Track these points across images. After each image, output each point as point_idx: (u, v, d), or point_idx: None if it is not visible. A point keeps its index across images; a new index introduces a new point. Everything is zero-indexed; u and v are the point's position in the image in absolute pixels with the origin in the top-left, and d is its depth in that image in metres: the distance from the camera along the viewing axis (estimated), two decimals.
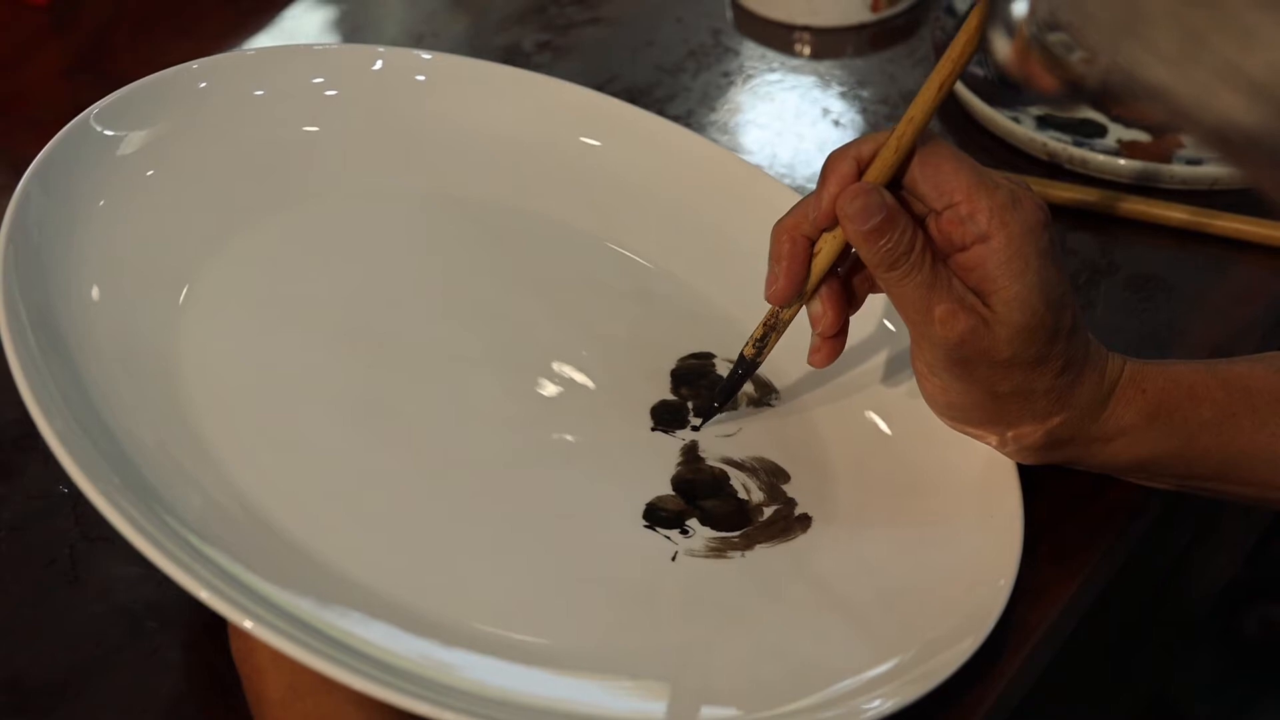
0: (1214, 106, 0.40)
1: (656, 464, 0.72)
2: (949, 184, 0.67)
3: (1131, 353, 0.71)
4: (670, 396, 0.75)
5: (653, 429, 0.74)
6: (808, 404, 0.76)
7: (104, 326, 0.67)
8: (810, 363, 0.72)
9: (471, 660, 0.62)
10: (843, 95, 1.00)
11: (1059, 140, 0.92)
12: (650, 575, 0.68)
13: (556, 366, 0.75)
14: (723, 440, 0.74)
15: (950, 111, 0.96)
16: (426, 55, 0.84)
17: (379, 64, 0.83)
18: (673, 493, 0.71)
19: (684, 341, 0.78)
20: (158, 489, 0.62)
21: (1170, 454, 0.71)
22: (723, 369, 0.77)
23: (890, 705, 0.63)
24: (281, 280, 0.74)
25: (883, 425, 0.76)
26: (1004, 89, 0.93)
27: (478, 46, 1.02)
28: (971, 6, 0.66)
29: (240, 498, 0.64)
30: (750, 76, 1.01)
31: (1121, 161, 0.91)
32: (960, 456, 0.73)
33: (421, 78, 0.83)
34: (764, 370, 0.75)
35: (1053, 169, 0.93)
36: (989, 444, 0.72)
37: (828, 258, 0.70)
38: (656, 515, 0.70)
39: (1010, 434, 0.70)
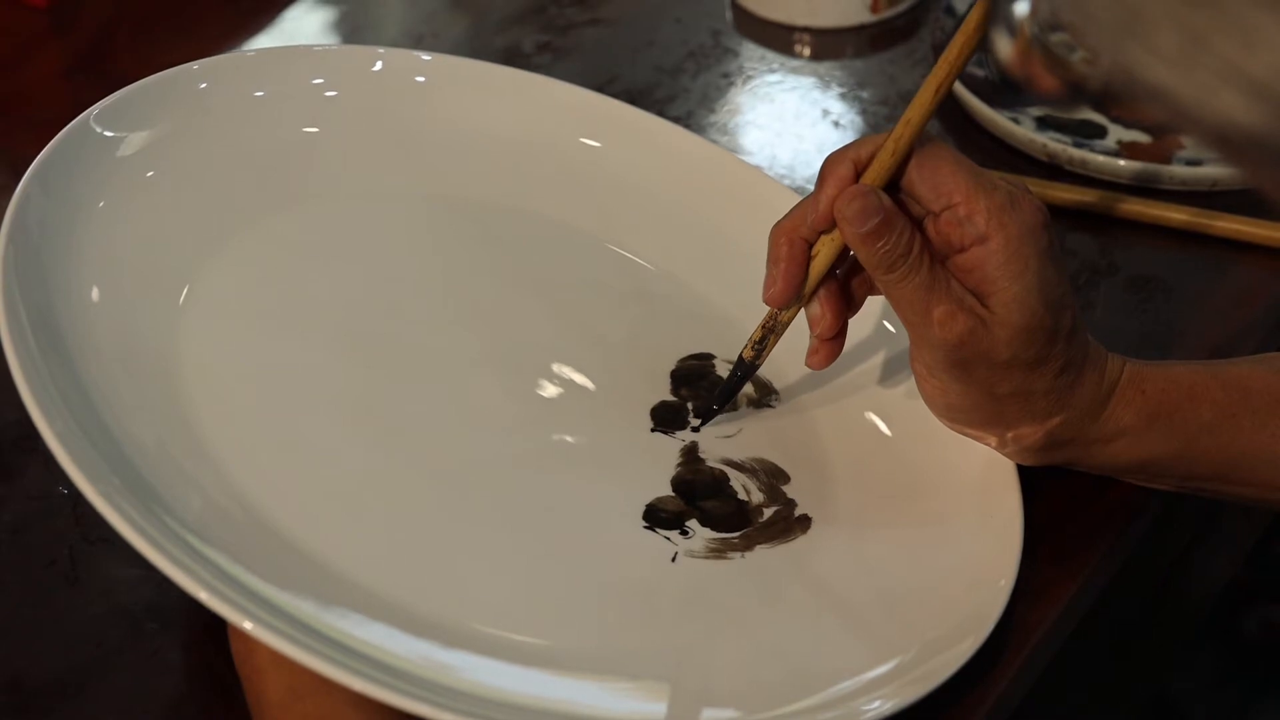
0: (1215, 107, 0.40)
1: (656, 465, 0.72)
2: (947, 185, 0.67)
3: (1131, 354, 0.71)
4: (670, 397, 0.75)
5: (653, 430, 0.74)
6: (807, 405, 0.76)
7: (104, 327, 0.67)
8: (808, 364, 0.72)
9: (471, 661, 0.62)
10: (842, 96, 1.00)
11: (1059, 141, 0.92)
12: (650, 576, 0.68)
13: (556, 367, 0.75)
14: (723, 441, 0.74)
15: (950, 112, 0.96)
16: (426, 56, 0.84)
17: (379, 65, 0.83)
18: (672, 494, 0.71)
19: (684, 342, 0.78)
20: (157, 490, 0.62)
21: (1170, 455, 0.71)
22: (723, 370, 0.77)
23: (890, 706, 0.63)
24: (281, 281, 0.74)
25: (882, 426, 0.76)
26: (1005, 90, 0.93)
27: (477, 47, 1.02)
28: (970, 8, 0.66)
29: (240, 499, 0.64)
30: (750, 77, 1.01)
31: (1121, 162, 0.91)
32: (960, 457, 0.73)
33: (421, 79, 0.83)
34: (764, 371, 0.75)
35: (1052, 170, 0.93)
36: (988, 445, 0.72)
37: (826, 260, 0.70)
38: (656, 516, 0.70)
39: (1010, 435, 0.70)
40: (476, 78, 0.84)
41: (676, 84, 1.00)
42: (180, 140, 0.76)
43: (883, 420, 0.76)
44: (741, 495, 0.72)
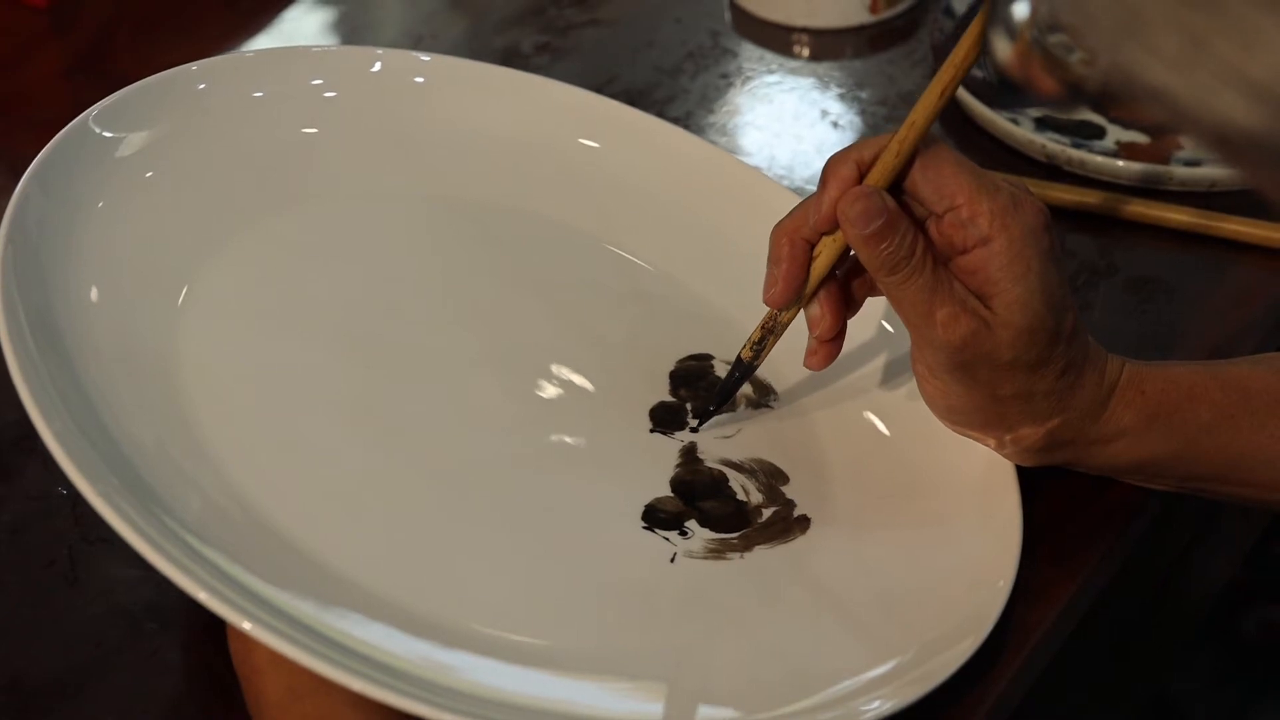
0: (1214, 108, 0.40)
1: (655, 465, 0.72)
2: (950, 187, 0.67)
3: (1131, 354, 0.71)
4: (669, 398, 0.75)
5: (651, 430, 0.74)
6: (806, 405, 0.76)
7: (103, 327, 0.67)
8: (807, 365, 0.72)
9: (470, 661, 0.62)
10: (841, 97, 1.00)
11: (1057, 142, 0.92)
12: (649, 576, 0.68)
13: (555, 368, 0.75)
14: (721, 442, 0.74)
15: (949, 113, 0.96)
16: (425, 57, 0.84)
17: (378, 66, 0.83)
18: (671, 494, 0.71)
19: (683, 343, 0.78)
20: (156, 490, 0.62)
21: (1169, 455, 0.71)
22: (722, 370, 0.77)
23: (890, 706, 0.63)
24: (280, 281, 0.74)
25: (882, 426, 0.76)
26: (1004, 90, 0.93)
27: (476, 48, 1.02)
28: (972, 10, 0.66)
29: (239, 499, 0.64)
30: (749, 78, 1.01)
31: (1120, 163, 0.91)
32: (959, 458, 0.73)
33: (420, 79, 0.83)
34: (763, 372, 0.75)
35: (1051, 171, 0.93)
36: (988, 445, 0.72)
37: (827, 261, 0.70)
38: (655, 517, 0.70)
39: (1010, 436, 0.70)
40: (475, 78, 0.84)
41: (675, 84, 1.00)
42: (179, 141, 0.76)
43: (882, 420, 0.76)
44: (740, 496, 0.72)
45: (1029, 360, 0.67)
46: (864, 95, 1.00)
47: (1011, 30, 0.53)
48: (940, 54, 0.67)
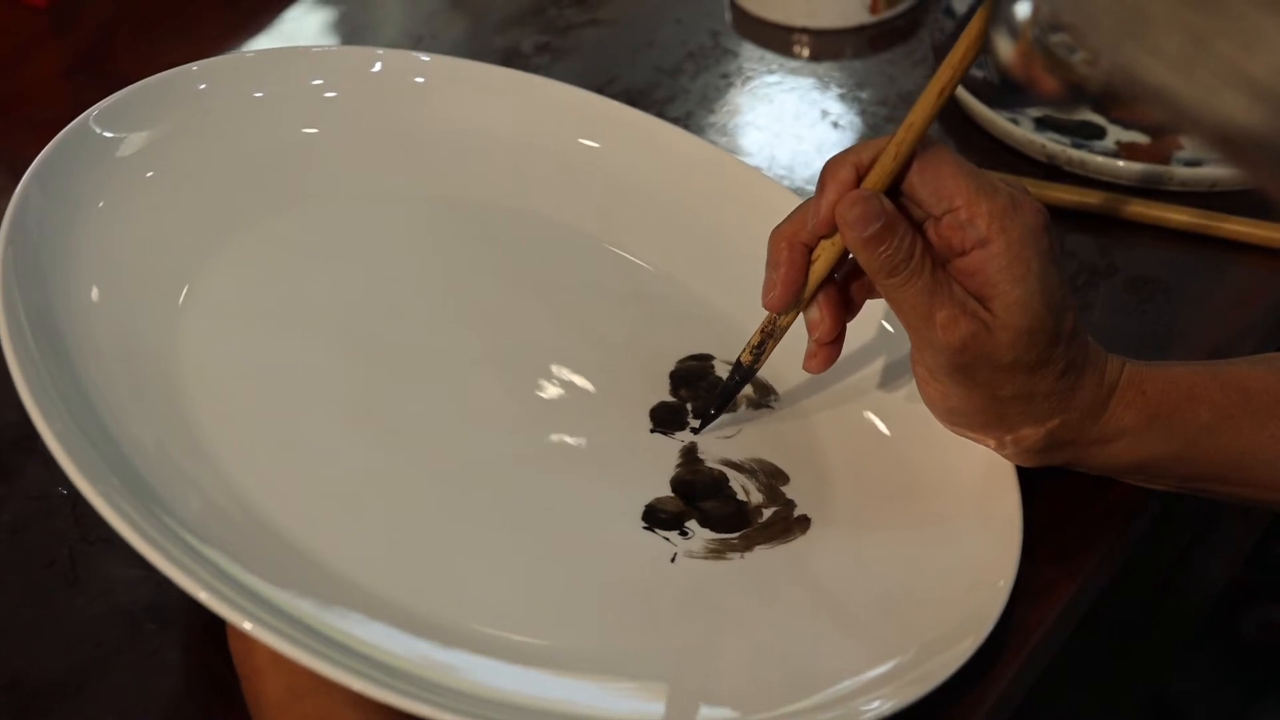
0: (1217, 108, 0.40)
1: (656, 465, 0.72)
2: (948, 189, 0.67)
3: (1131, 355, 0.71)
4: (669, 398, 0.75)
5: (652, 430, 0.74)
6: (807, 406, 0.76)
7: (103, 327, 0.67)
8: (806, 368, 0.72)
9: (471, 661, 0.62)
10: (841, 97, 1.00)
11: (1057, 142, 0.92)
12: (649, 576, 0.68)
13: (555, 368, 0.75)
14: (722, 442, 0.74)
15: (949, 113, 0.96)
16: (425, 57, 0.84)
17: (378, 66, 0.83)
18: (672, 494, 0.71)
19: (683, 343, 0.78)
20: (157, 490, 0.62)
21: (1169, 456, 0.71)
22: (722, 370, 0.77)
23: (890, 706, 0.63)
24: (281, 282, 0.74)
25: (882, 427, 0.76)
26: (1004, 90, 0.93)
27: (477, 48, 1.02)
28: (971, 10, 0.66)
29: (239, 499, 0.64)
30: (749, 78, 1.01)
31: (1120, 163, 0.91)
32: (959, 458, 0.73)
33: (420, 80, 0.83)
34: (763, 372, 0.75)
35: (1051, 171, 0.93)
36: (988, 446, 0.72)
37: (826, 264, 0.70)
38: (656, 517, 0.70)
39: (1010, 437, 0.70)
40: (476, 78, 0.84)
41: (676, 85, 1.00)
42: (180, 141, 0.76)
43: (882, 421, 0.76)
44: (741, 496, 0.72)
45: (1029, 361, 0.67)
46: (864, 95, 1.00)
47: (1013, 30, 0.53)
48: (940, 54, 0.67)
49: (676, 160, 0.84)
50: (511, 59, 1.01)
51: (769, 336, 0.72)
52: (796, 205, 0.71)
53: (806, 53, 1.03)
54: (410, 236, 0.79)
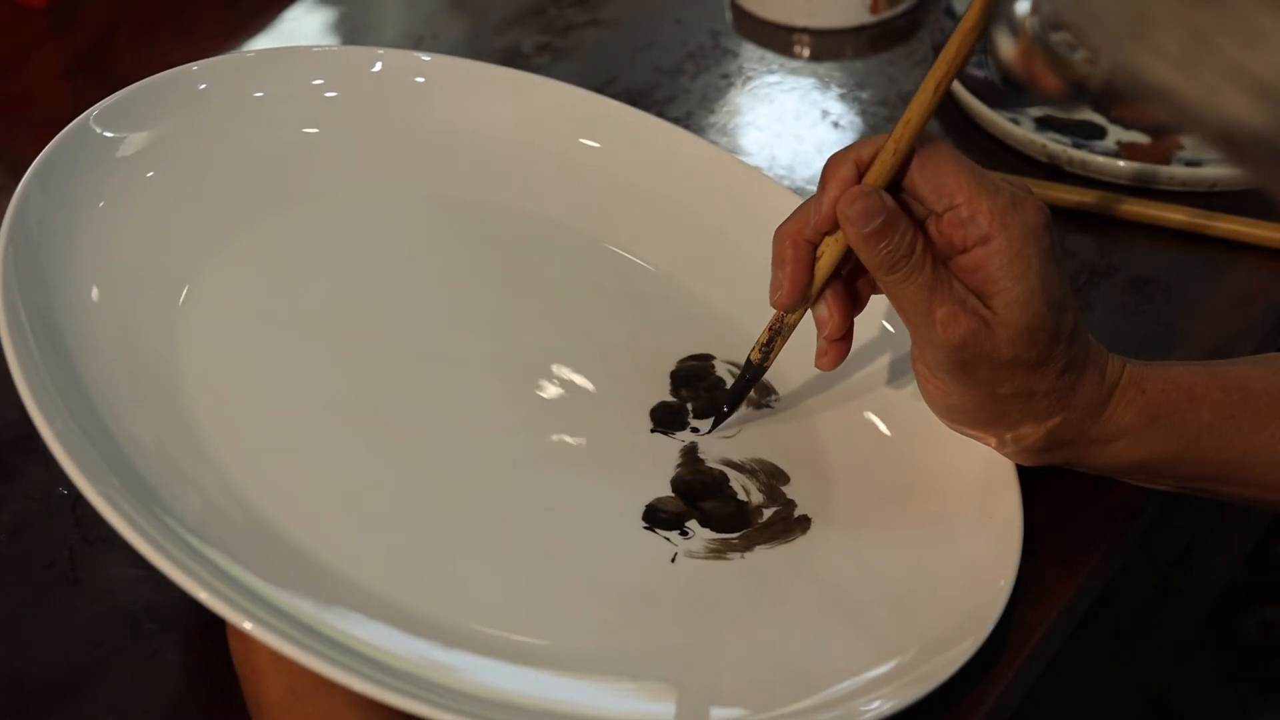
0: (1219, 107, 0.40)
1: (656, 465, 0.72)
2: (949, 186, 0.67)
3: (1131, 355, 0.71)
4: (670, 398, 0.75)
5: (652, 431, 0.74)
6: (807, 406, 0.76)
7: (104, 327, 0.67)
8: (818, 366, 0.72)
9: (471, 661, 0.62)
10: (842, 97, 1.00)
11: (1058, 142, 0.92)
12: (650, 577, 0.68)
13: (556, 368, 0.75)
14: (722, 442, 0.74)
15: (949, 113, 0.96)
16: (426, 57, 0.84)
17: (378, 66, 0.83)
18: (672, 494, 0.71)
19: (683, 343, 0.78)
20: (157, 490, 0.62)
21: (1170, 455, 0.71)
22: (722, 370, 0.77)
23: (890, 706, 0.63)
24: (281, 282, 0.74)
25: (882, 426, 0.76)
26: (1006, 90, 0.93)
27: (477, 48, 1.02)
28: (968, 7, 0.66)
29: (240, 499, 0.64)
30: (749, 78, 1.01)
31: (1121, 163, 0.91)
32: (960, 458, 0.73)
33: (421, 80, 0.83)
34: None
35: (1052, 170, 0.93)
36: (988, 445, 0.72)
37: (831, 261, 0.70)
38: (656, 517, 0.70)
39: (1010, 435, 0.70)
40: (476, 78, 0.84)
41: (676, 85, 1.00)
42: (180, 141, 0.76)
43: (882, 420, 0.76)
44: (741, 496, 0.72)
45: (1029, 359, 0.67)
46: (865, 95, 1.00)
47: (1014, 29, 0.53)
48: (940, 53, 0.67)
49: (677, 160, 0.84)
50: (512, 59, 1.01)
51: (777, 334, 0.72)
52: (797, 205, 0.71)
53: (807, 53, 1.03)
54: (410, 236, 0.79)
